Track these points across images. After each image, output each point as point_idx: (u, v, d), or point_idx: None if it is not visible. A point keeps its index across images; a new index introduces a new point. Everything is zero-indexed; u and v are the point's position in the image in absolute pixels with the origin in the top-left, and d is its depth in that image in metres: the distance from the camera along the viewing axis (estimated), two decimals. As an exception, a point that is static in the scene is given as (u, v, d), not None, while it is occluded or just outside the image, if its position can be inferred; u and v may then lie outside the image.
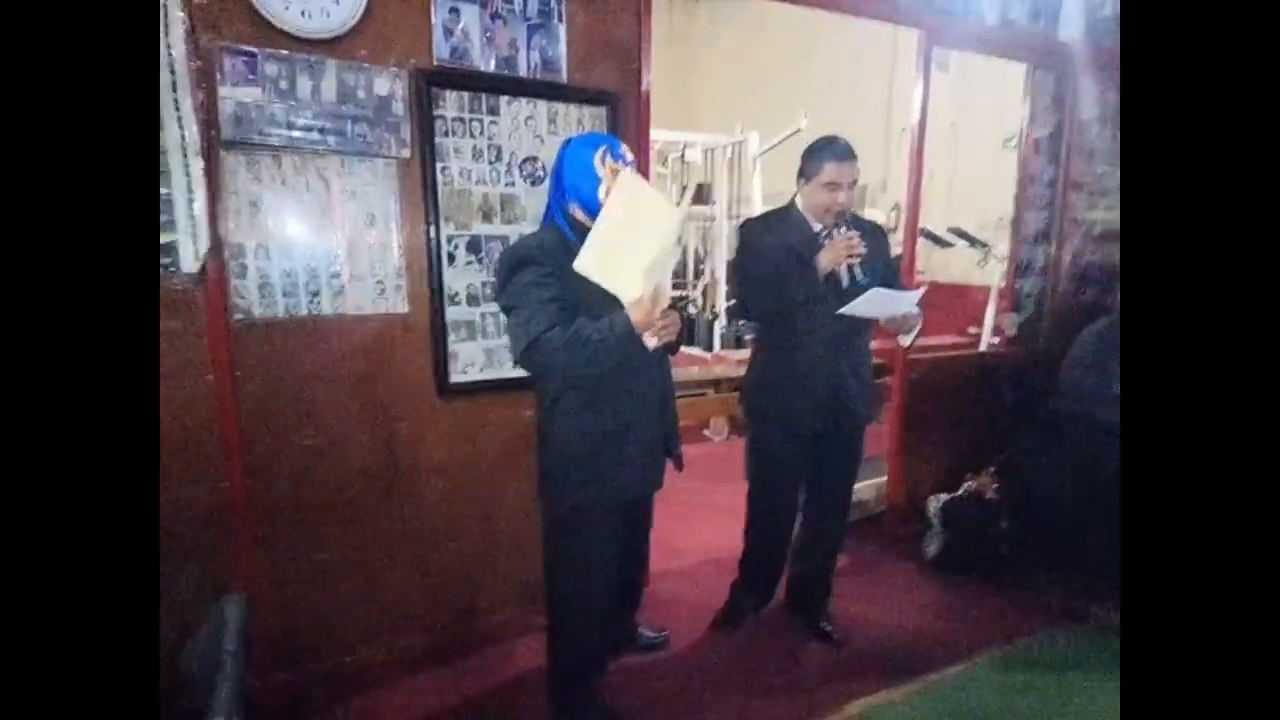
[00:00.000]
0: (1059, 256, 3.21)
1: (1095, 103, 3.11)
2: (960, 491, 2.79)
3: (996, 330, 3.82)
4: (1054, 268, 3.22)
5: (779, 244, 1.96)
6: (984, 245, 4.51)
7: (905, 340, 2.10)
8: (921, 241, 3.42)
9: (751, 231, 2.06)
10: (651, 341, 1.54)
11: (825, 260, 1.88)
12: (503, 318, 2.03)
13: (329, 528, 1.94)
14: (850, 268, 1.89)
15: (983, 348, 3.93)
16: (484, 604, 2.22)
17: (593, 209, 1.50)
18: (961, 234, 4.56)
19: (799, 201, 2.00)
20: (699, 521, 3.04)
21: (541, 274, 1.49)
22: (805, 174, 1.95)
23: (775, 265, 1.93)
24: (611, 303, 1.47)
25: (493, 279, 2.03)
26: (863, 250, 1.87)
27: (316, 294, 1.84)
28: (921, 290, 1.96)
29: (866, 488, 3.04)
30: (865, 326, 2.03)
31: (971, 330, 4.81)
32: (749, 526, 2.26)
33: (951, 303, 4.92)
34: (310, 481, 1.90)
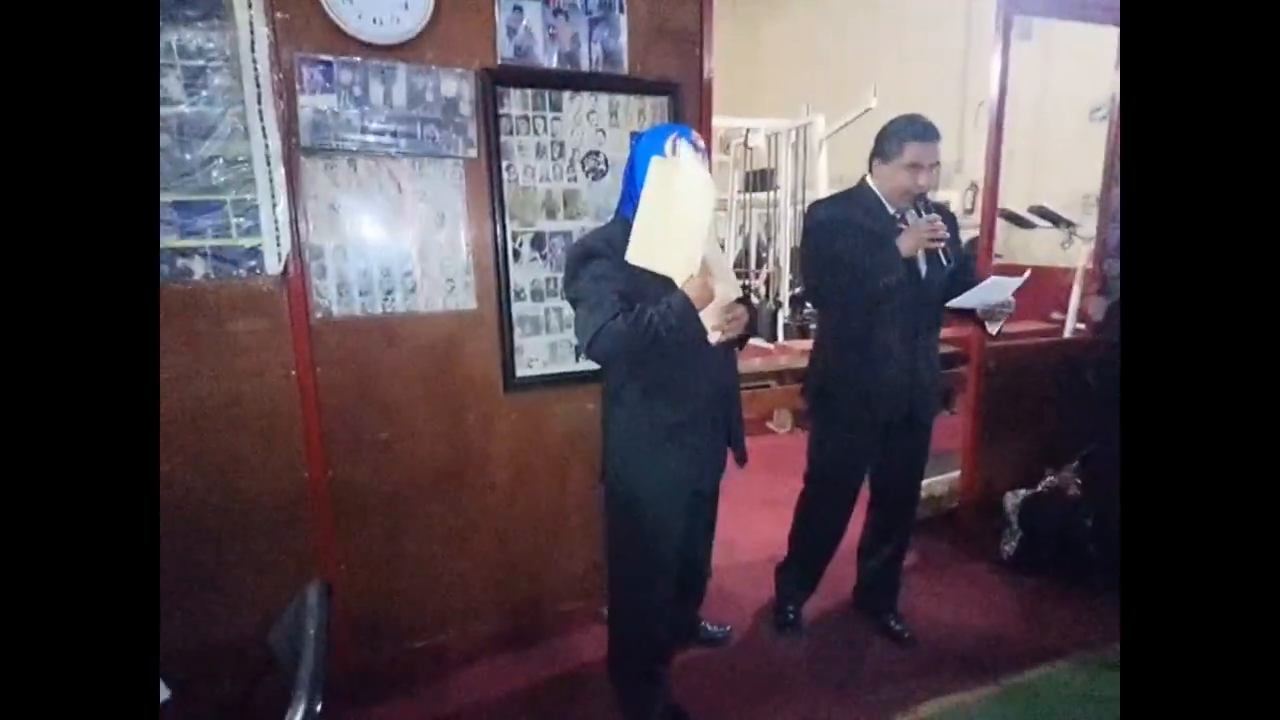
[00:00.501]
0: (1154, 236, 3.00)
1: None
2: (1040, 487, 2.66)
3: (1082, 315, 3.60)
4: (1148, 249, 3.01)
5: (855, 227, 1.89)
6: (1069, 224, 4.26)
7: (993, 328, 2.01)
8: (1000, 222, 3.25)
9: (823, 213, 1.98)
10: (715, 336, 1.53)
11: (909, 245, 1.82)
12: (566, 311, 2.07)
13: (403, 517, 2.03)
14: (937, 253, 1.85)
15: (1067, 334, 3.72)
16: (551, 593, 2.28)
17: None
18: (1044, 213, 4.31)
19: (872, 182, 1.93)
20: (762, 516, 3.00)
21: (608, 267, 1.51)
22: (884, 154, 1.87)
23: (855, 249, 1.86)
24: (671, 289, 1.49)
25: (556, 275, 2.06)
26: (946, 235, 1.82)
27: (391, 292, 1.91)
28: (1024, 278, 1.88)
29: (940, 483, 2.94)
30: (938, 313, 1.98)
31: (1055, 316, 4.55)
32: (803, 518, 2.22)
33: (1033, 286, 4.66)
34: (385, 472, 1.99)
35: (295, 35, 1.70)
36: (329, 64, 1.74)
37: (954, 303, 1.88)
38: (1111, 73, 2.88)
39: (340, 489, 1.94)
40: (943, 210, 1.99)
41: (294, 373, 1.82)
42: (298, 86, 1.72)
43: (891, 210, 1.90)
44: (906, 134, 1.82)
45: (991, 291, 1.87)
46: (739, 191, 5.50)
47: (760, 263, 5.62)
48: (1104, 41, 2.91)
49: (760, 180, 5.40)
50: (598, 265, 1.51)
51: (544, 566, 2.25)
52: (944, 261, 1.87)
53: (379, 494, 1.99)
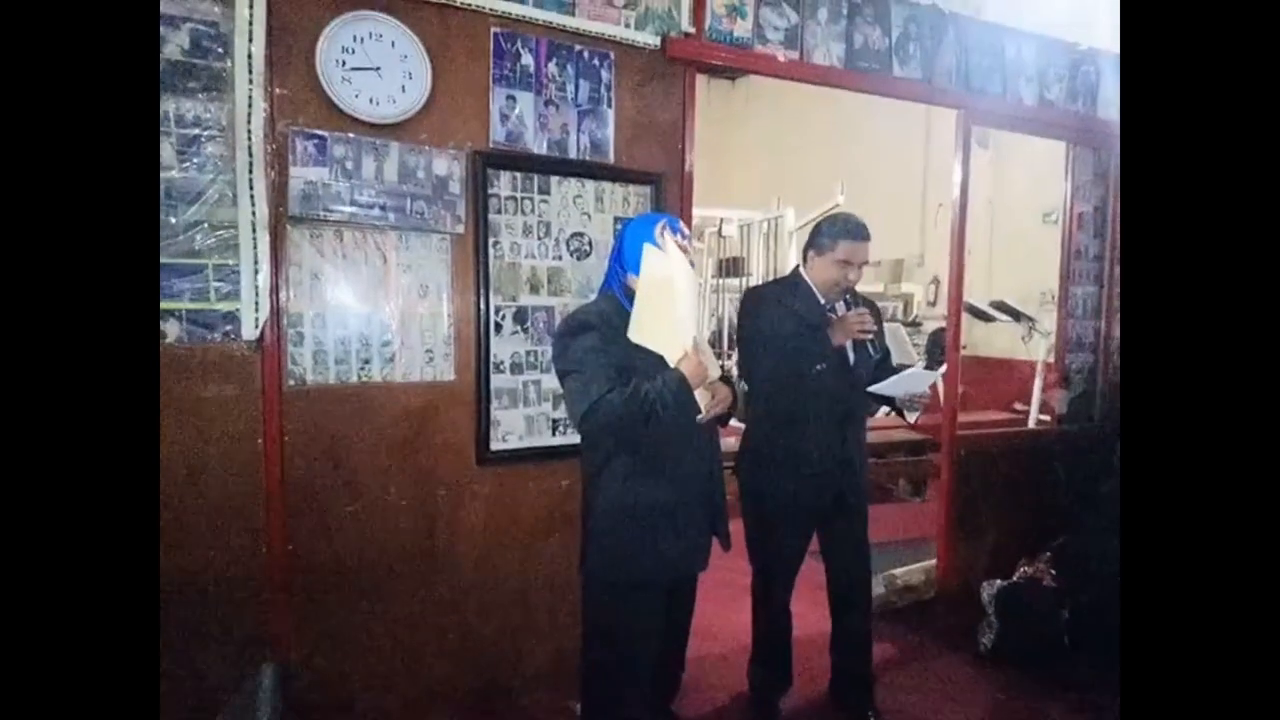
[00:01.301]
0: (1109, 332, 3.14)
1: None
2: (1015, 578, 2.64)
3: (1044, 407, 3.71)
4: (1104, 343, 3.14)
5: (789, 313, 1.96)
6: (1028, 319, 4.44)
7: (911, 417, 2.11)
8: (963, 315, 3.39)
9: (760, 299, 2.06)
10: (703, 406, 1.54)
11: (840, 335, 1.91)
12: (545, 384, 2.07)
13: (364, 596, 1.92)
14: (866, 344, 1.96)
15: (1030, 424, 3.81)
16: (516, 681, 2.14)
17: None
18: (1003, 307, 4.49)
19: (805, 273, 2.01)
20: (736, 604, 2.92)
21: (599, 340, 1.52)
22: (818, 247, 1.97)
23: (788, 334, 1.93)
24: (662, 366, 1.51)
25: (537, 348, 2.07)
26: (874, 328, 1.93)
27: (368, 362, 1.89)
28: (941, 371, 1.98)
29: (915, 571, 2.91)
30: (864, 400, 2.06)
31: (1018, 406, 4.67)
32: (756, 607, 2.18)
33: (996, 378, 4.81)
34: (349, 547, 1.89)
35: (292, 110, 1.75)
36: (323, 138, 1.78)
37: (874, 388, 1.97)
38: (1061, 181, 3.11)
39: (300, 565, 1.83)
40: (869, 303, 2.10)
41: (261, 441, 1.76)
42: (290, 158, 1.75)
43: (822, 300, 1.98)
44: (840, 232, 1.92)
45: (910, 382, 1.97)
46: (712, 276, 5.66)
47: (732, 345, 5.73)
48: (1054, 153, 3.16)
49: (733, 266, 5.59)
50: (590, 338, 1.52)
51: (511, 654, 2.13)
52: (871, 352, 1.99)
53: (341, 571, 1.89)
